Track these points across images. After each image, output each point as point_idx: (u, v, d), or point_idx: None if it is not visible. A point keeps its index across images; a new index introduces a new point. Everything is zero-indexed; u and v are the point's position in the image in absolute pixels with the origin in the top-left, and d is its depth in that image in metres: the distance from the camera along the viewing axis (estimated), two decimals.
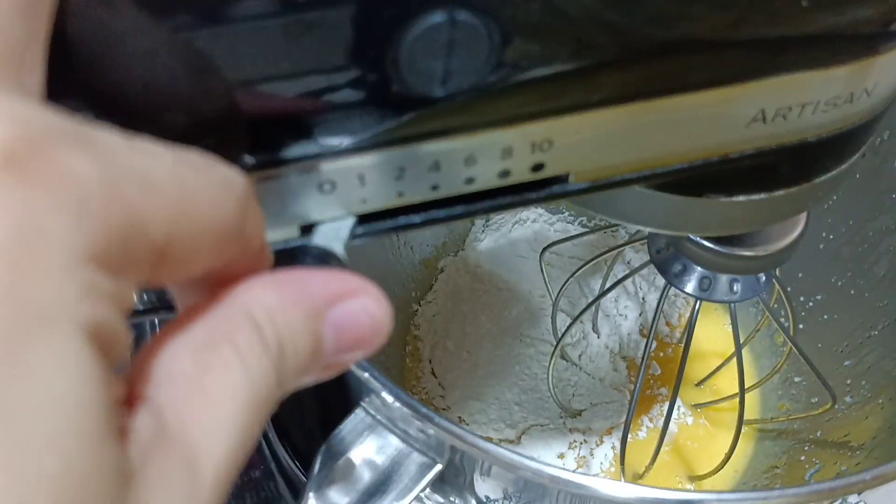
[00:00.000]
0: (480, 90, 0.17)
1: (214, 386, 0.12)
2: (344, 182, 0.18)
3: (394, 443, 0.25)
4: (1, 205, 0.09)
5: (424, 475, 0.25)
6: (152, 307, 0.23)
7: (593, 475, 0.25)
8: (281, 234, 0.19)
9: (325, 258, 0.18)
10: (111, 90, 0.14)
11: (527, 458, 0.24)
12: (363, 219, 0.20)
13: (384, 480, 0.25)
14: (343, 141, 0.17)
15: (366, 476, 0.25)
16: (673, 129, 0.20)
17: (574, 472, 0.23)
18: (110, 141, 0.11)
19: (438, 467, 0.25)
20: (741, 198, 0.23)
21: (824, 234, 0.43)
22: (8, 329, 0.09)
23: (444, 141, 0.18)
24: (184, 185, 0.12)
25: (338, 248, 0.18)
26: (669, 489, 0.24)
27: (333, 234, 0.19)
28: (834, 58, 0.19)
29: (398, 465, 0.25)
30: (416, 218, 0.20)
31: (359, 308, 0.15)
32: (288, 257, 0.17)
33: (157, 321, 0.24)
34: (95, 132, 0.11)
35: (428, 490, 0.28)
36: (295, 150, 0.17)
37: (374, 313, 0.15)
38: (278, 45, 0.15)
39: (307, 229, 0.20)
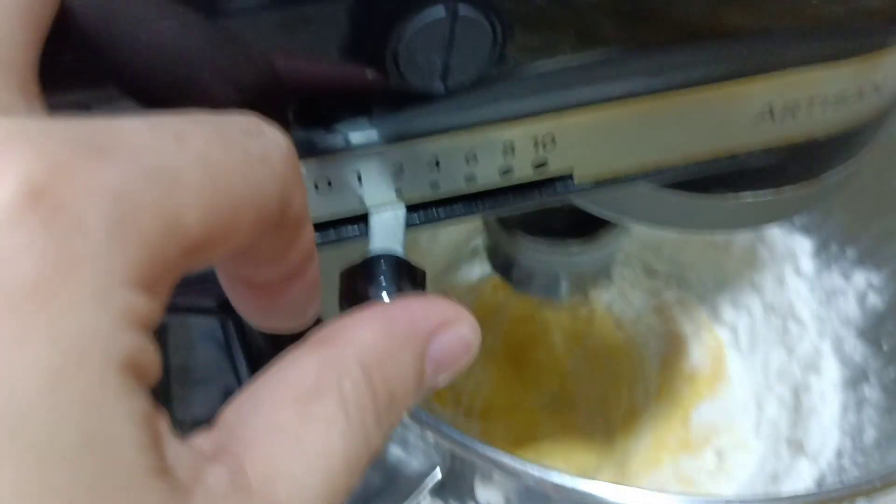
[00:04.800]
0: (482, 86, 0.16)
1: (313, 440, 0.11)
2: (340, 180, 0.18)
3: (392, 449, 0.25)
4: (28, 241, 0.09)
5: (423, 482, 0.24)
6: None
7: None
8: None
9: (398, 265, 0.17)
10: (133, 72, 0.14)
11: (530, 464, 0.23)
12: (359, 219, 0.19)
13: (383, 488, 0.25)
14: (340, 138, 0.17)
15: (362, 484, 0.25)
16: (680, 127, 0.19)
17: (579, 478, 0.23)
18: (129, 130, 0.10)
19: (437, 475, 0.25)
20: (748, 196, 0.23)
21: (829, 235, 0.42)
22: (41, 372, 0.08)
23: (445, 138, 0.18)
24: (215, 169, 0.11)
25: (399, 249, 0.18)
26: (678, 493, 0.23)
27: (391, 235, 0.18)
28: (841, 52, 0.19)
29: (397, 473, 0.25)
30: (415, 217, 0.19)
31: (456, 338, 0.14)
32: (363, 269, 0.17)
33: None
34: (112, 127, 0.10)
35: (428, 496, 0.27)
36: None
37: (469, 341, 0.14)
38: (275, 38, 0.15)
39: None
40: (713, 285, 0.47)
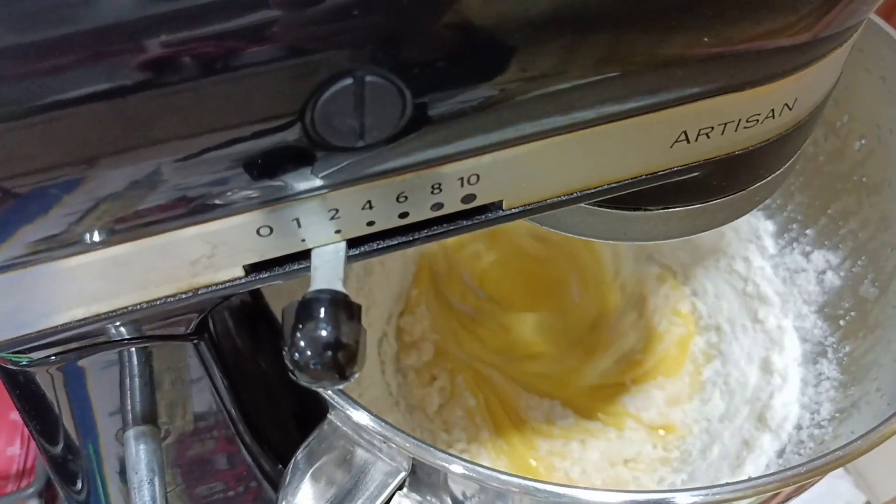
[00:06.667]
0: (401, 136, 0.18)
1: None
2: (280, 227, 0.19)
3: (360, 452, 0.27)
4: None
5: (390, 483, 0.26)
6: (132, 338, 0.25)
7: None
8: (226, 275, 0.20)
9: (334, 302, 0.19)
10: None
11: (487, 468, 0.25)
12: (303, 255, 0.21)
13: (352, 489, 0.27)
14: (275, 189, 0.18)
15: (334, 485, 0.27)
16: (598, 155, 0.21)
17: (539, 481, 0.24)
18: None
19: (403, 475, 0.27)
20: (678, 208, 0.24)
21: (790, 216, 0.43)
22: None
23: (374, 183, 0.19)
24: None
25: (339, 283, 0.19)
26: (633, 490, 0.25)
27: (332, 271, 0.20)
28: (750, 82, 0.20)
29: (365, 474, 0.27)
30: (354, 251, 0.21)
31: None
32: (304, 307, 0.19)
33: (133, 350, 0.25)
34: None
35: (405, 489, 0.29)
36: (231, 198, 0.18)
37: None
38: (209, 101, 0.16)
39: (254, 268, 0.21)
40: (688, 262, 0.49)
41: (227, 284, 0.21)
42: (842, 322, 0.39)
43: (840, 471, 0.52)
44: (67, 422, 0.28)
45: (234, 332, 0.30)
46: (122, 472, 0.31)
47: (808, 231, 0.42)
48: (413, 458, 0.26)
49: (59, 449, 0.30)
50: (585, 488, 0.25)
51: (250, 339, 0.32)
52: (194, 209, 0.18)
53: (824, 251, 0.41)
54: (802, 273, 0.42)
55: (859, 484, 0.50)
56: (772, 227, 0.44)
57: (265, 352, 0.33)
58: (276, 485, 0.34)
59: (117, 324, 0.23)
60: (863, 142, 0.38)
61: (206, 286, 0.20)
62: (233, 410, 0.30)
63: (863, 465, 0.51)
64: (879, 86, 0.36)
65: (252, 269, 0.21)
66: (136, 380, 0.27)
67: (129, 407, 0.28)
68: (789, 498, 0.30)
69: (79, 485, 0.32)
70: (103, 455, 0.30)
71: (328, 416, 0.27)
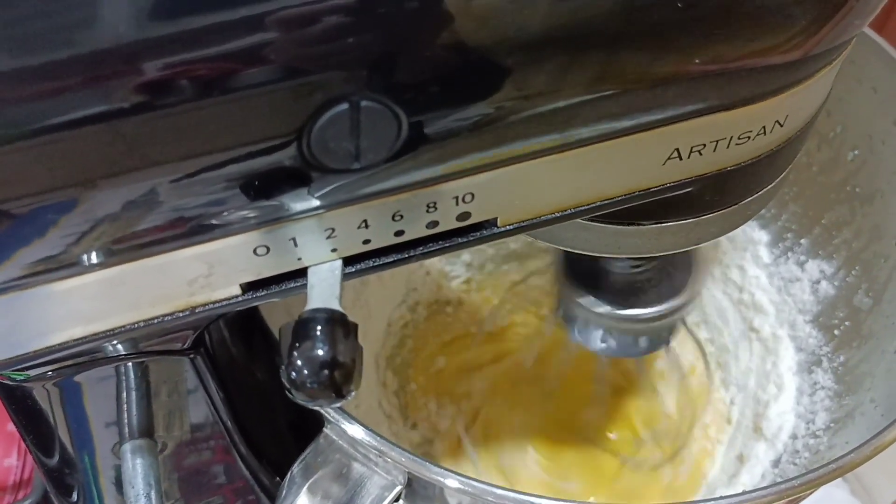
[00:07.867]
0: (394, 161, 0.18)
1: None
2: (277, 246, 0.20)
3: (356, 466, 0.27)
4: None
5: (386, 496, 0.27)
6: (128, 354, 0.25)
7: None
8: (223, 294, 0.21)
9: (331, 322, 0.19)
10: None
11: (482, 483, 0.25)
12: (300, 273, 0.21)
13: (348, 503, 0.27)
14: (270, 210, 0.19)
15: (330, 499, 0.27)
16: (591, 173, 0.21)
17: (535, 496, 0.25)
18: None
19: (399, 488, 0.27)
20: (671, 223, 0.24)
21: (784, 226, 0.44)
22: None
23: (369, 203, 0.19)
24: None
25: (335, 304, 0.19)
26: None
27: (328, 289, 0.20)
28: (741, 100, 0.20)
29: (361, 488, 0.27)
30: (350, 268, 0.21)
31: None
32: (301, 326, 0.19)
33: (129, 364, 0.25)
34: None
35: (402, 502, 0.29)
36: (228, 219, 0.19)
37: None
38: (205, 124, 0.16)
39: (251, 286, 0.21)
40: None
41: (225, 303, 0.21)
42: (836, 332, 0.39)
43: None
44: (63, 435, 0.28)
45: (229, 344, 0.31)
46: (119, 485, 0.31)
47: (802, 241, 0.43)
48: (409, 472, 0.26)
49: (55, 462, 0.30)
50: (582, 503, 0.25)
51: (246, 351, 0.32)
52: (191, 230, 0.18)
53: (818, 261, 0.42)
54: (797, 282, 0.42)
55: (856, 491, 0.50)
56: (766, 236, 0.44)
57: (260, 363, 0.34)
58: (273, 497, 0.34)
59: (114, 341, 0.23)
60: (855, 152, 0.38)
61: (204, 305, 0.21)
62: (229, 422, 0.30)
63: (860, 472, 0.51)
64: (871, 97, 0.37)
65: (249, 287, 0.21)
66: (133, 393, 0.27)
67: (126, 421, 0.28)
68: None
69: (75, 497, 0.32)
70: (99, 468, 0.30)
71: (324, 429, 0.27)
